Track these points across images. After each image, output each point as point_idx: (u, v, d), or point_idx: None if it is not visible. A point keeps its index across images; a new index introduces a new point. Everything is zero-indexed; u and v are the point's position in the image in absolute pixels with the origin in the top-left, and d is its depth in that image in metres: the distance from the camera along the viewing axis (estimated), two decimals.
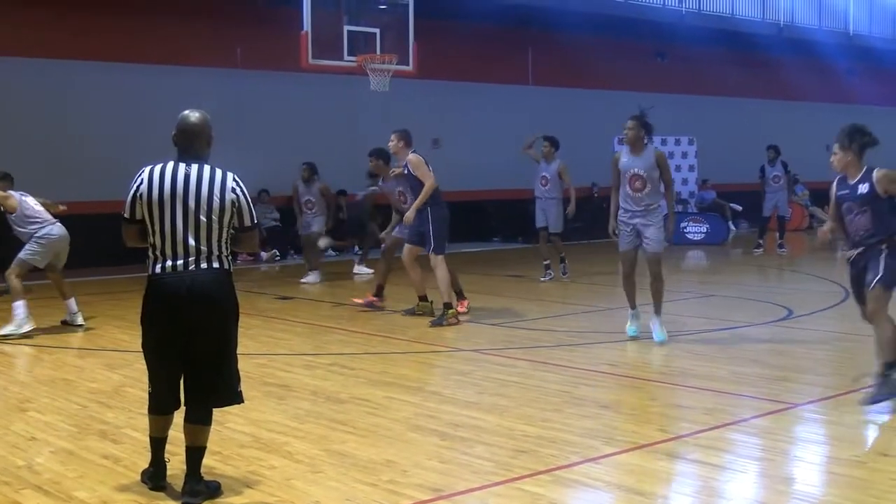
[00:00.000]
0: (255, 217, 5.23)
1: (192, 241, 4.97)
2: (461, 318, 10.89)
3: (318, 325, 10.80)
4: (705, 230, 21.18)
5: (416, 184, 10.88)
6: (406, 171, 10.94)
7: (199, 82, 17.94)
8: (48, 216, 10.40)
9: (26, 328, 9.95)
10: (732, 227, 23.69)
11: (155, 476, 5.22)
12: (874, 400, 6.67)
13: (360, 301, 11.86)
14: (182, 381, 5.10)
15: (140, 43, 17.33)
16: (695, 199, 24.44)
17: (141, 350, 5.24)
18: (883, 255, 6.81)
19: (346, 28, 14.88)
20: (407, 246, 11.13)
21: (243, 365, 5.29)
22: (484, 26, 21.14)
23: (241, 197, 5.12)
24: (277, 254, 18.26)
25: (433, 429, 6.34)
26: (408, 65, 15.45)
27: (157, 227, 4.98)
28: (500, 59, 22.36)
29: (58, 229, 10.34)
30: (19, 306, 9.96)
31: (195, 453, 5.06)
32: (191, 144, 5.14)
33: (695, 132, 24.67)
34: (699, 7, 24.09)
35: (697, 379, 7.82)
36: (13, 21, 16.15)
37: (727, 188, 25.10)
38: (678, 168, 24.65)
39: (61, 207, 10.87)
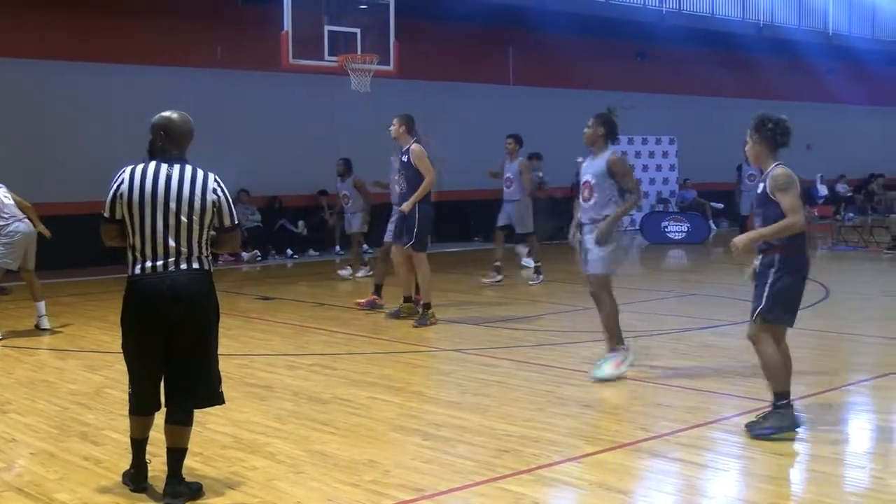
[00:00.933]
0: (237, 217, 5.23)
1: (172, 242, 4.95)
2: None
3: (300, 326, 10.78)
4: (686, 229, 21.26)
5: (413, 175, 10.68)
6: (405, 159, 10.73)
7: (179, 82, 17.86)
8: (16, 212, 10.12)
9: None
10: (713, 226, 23.78)
11: (136, 477, 5.23)
12: (755, 433, 6.07)
13: (362, 301, 11.86)
14: (163, 382, 5.09)
15: (119, 42, 17.24)
16: (675, 199, 24.56)
17: (121, 351, 5.21)
18: (771, 276, 6.11)
19: (326, 28, 14.86)
20: (395, 245, 11.06)
21: (224, 365, 5.28)
22: (465, 26, 21.13)
23: (222, 197, 5.12)
24: (259, 254, 18.21)
25: (415, 429, 6.33)
26: (388, 65, 15.45)
27: (137, 228, 4.96)
28: (481, 59, 22.39)
29: (24, 226, 10.07)
30: None
31: (177, 454, 5.05)
32: (172, 145, 5.12)
33: (675, 132, 24.76)
34: (679, 7, 24.17)
35: (679, 378, 7.84)
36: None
37: (708, 187, 25.20)
38: (658, 168, 24.79)
39: (46, 233, 10.60)
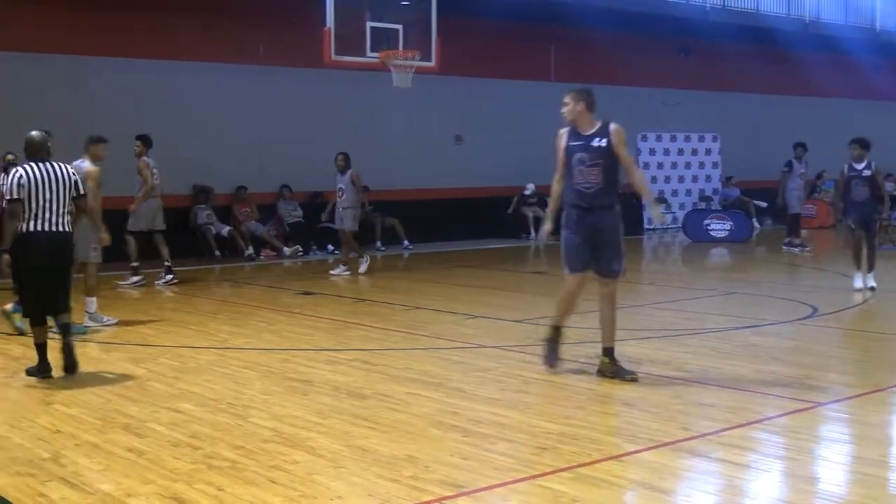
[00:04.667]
0: (84, 188, 8.27)
1: (54, 212, 7.84)
2: None
3: (340, 321, 10.81)
4: (729, 227, 21.07)
5: (612, 164, 7.61)
6: (601, 143, 7.62)
7: (222, 79, 18.02)
8: None
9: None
10: (757, 225, 23.56)
11: (45, 370, 7.82)
12: None
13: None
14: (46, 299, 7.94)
15: (163, 39, 17.39)
16: (718, 196, 24.36)
17: (17, 284, 8.05)
18: None
19: (368, 24, 14.91)
20: (592, 274, 7.91)
21: (266, 359, 5.41)
22: (506, 22, 21.11)
23: (76, 176, 8.15)
24: (300, 249, 18.29)
25: (455, 425, 6.33)
26: (430, 61, 15.46)
27: (33, 203, 7.76)
28: (523, 56, 22.33)
29: None
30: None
31: (70, 344, 7.91)
32: (39, 152, 8.01)
33: (718, 129, 24.57)
34: (723, 2, 23.98)
35: (720, 377, 7.78)
36: (40, 19, 16.26)
37: (751, 185, 24.97)
38: (701, 165, 24.57)
39: None
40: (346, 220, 15.03)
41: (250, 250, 17.80)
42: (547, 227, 7.94)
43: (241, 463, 5.50)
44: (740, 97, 25.94)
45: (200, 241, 17.71)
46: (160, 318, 10.93)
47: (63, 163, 8.13)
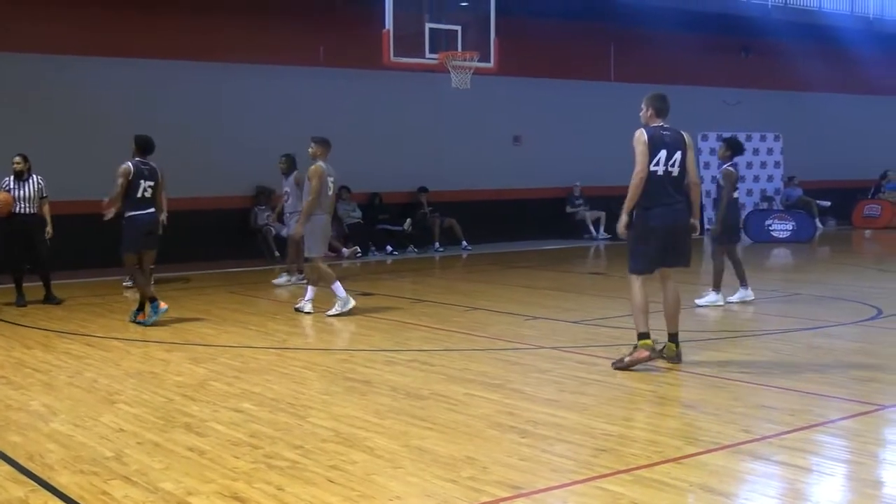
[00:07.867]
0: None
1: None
2: None
3: (399, 322, 10.84)
4: (791, 228, 20.81)
5: None
6: None
7: (282, 81, 18.17)
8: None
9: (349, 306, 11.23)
10: (819, 225, 23.22)
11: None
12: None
13: None
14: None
15: (223, 42, 17.59)
16: (780, 196, 24.06)
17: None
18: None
19: (427, 26, 14.96)
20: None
21: (325, 360, 5.43)
22: (565, 22, 21.05)
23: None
24: (359, 250, 18.39)
25: (513, 426, 6.32)
26: (489, 62, 15.46)
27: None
28: (582, 56, 22.26)
29: None
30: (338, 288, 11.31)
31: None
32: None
33: (780, 128, 24.26)
34: (785, 1, 23.67)
35: (782, 379, 7.68)
36: (101, 23, 16.53)
37: (814, 185, 24.63)
38: (763, 165, 24.26)
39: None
40: (293, 226, 13.69)
41: None
42: None
43: (300, 463, 5.54)
44: (802, 96, 25.58)
45: (261, 242, 17.89)
46: (220, 319, 11.06)
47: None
